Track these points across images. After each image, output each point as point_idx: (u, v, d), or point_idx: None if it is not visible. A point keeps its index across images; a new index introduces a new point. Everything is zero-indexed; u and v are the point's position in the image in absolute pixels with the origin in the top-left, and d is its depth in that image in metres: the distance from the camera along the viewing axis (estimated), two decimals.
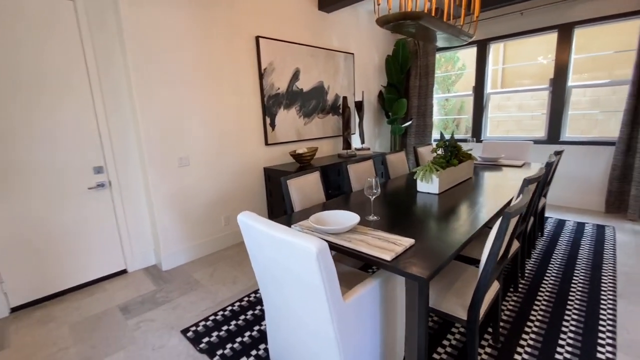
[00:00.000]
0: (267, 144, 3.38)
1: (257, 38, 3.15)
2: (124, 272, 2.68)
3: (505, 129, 4.66)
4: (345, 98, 3.91)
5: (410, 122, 4.83)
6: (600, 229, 3.18)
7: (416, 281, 1.13)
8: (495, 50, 4.38)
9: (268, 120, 3.35)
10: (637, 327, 1.76)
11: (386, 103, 4.59)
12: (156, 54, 2.50)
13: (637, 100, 3.22)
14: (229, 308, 2.12)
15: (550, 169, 2.36)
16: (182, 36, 2.63)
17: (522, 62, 4.33)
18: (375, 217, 1.71)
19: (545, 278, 2.32)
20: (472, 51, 4.50)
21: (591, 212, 3.68)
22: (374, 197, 1.68)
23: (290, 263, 1.11)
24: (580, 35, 3.63)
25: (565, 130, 3.87)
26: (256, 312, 2.06)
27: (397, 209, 1.87)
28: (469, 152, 2.61)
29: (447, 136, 4.44)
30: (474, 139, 4.50)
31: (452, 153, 2.36)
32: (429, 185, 2.20)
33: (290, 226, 1.61)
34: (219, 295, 2.30)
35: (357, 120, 4.40)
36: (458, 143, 2.48)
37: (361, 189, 2.42)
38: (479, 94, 4.43)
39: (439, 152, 2.39)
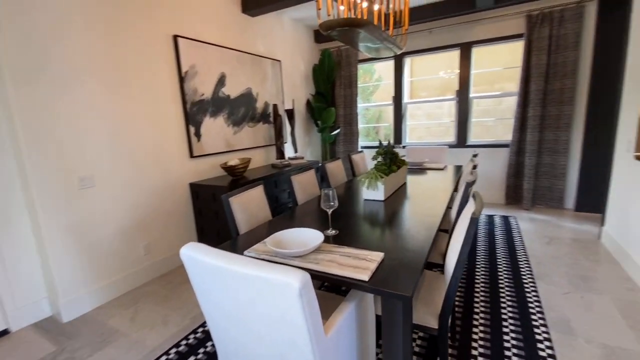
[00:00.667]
0: (192, 156, 3.00)
1: (175, 37, 2.78)
2: (5, 333, 2.01)
3: (417, 135, 5.19)
4: (275, 106, 3.76)
5: (338, 130, 4.92)
6: (505, 220, 3.68)
7: (400, 300, 1.05)
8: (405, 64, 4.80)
9: (192, 130, 2.98)
10: (559, 305, 2.03)
11: (315, 111, 4.59)
12: (41, 44, 1.97)
13: (523, 109, 3.86)
14: (164, 357, 1.74)
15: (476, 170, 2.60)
16: (78, 26, 2.14)
17: (426, 76, 4.87)
18: (334, 231, 1.60)
19: (477, 269, 2.54)
20: (387, 64, 4.84)
21: (495, 205, 4.26)
22: (331, 209, 1.57)
23: (260, 302, 0.91)
24: (477, 53, 4.21)
25: (470, 135, 4.43)
26: (199, 356, 1.74)
27: (351, 219, 1.80)
28: (402, 157, 2.73)
29: (381, 144, 4.66)
30: (400, 145, 4.82)
31: (391, 160, 2.41)
32: (374, 193, 2.19)
33: (242, 253, 1.38)
34: (147, 343, 1.88)
35: (289, 128, 4.28)
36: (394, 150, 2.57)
37: (307, 201, 2.29)
38: (398, 103, 4.77)
39: (379, 159, 2.43)
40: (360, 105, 5.24)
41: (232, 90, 3.40)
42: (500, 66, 4.21)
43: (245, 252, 1.37)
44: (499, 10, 3.87)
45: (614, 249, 2.68)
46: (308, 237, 1.42)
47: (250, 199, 1.90)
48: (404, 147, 4.80)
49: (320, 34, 4.88)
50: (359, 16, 2.13)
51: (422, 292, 1.50)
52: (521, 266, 2.56)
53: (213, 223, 2.91)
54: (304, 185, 2.43)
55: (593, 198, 3.66)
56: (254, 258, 1.31)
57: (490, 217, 3.78)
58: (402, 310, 1.07)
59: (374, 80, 5.55)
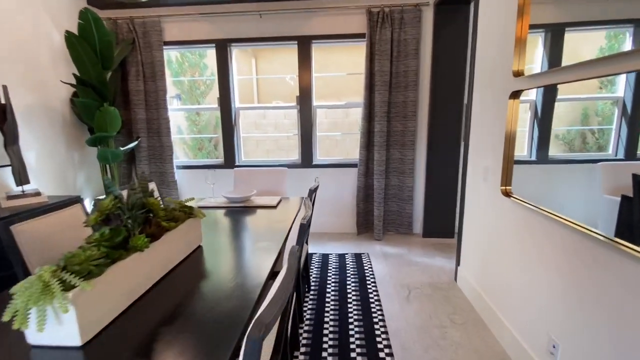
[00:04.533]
0: None
1: None
2: None
3: (265, 148, 4.26)
4: None
5: (136, 143, 3.26)
6: (358, 259, 2.92)
7: None
8: (247, 61, 3.68)
9: None
10: None
11: (82, 111, 2.81)
12: None
13: (369, 123, 3.25)
14: None
15: (309, 222, 1.56)
16: None
17: (273, 75, 3.96)
18: None
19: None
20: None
21: (347, 236, 3.54)
22: None
23: None
24: (319, 53, 3.41)
25: (316, 153, 3.60)
26: None
27: None
28: (189, 203, 1.45)
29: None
30: (214, 170, 3.57)
31: (135, 222, 1.08)
32: (57, 332, 0.82)
33: None
34: None
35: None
36: (154, 192, 1.26)
37: None
38: (226, 108, 3.52)
39: (104, 229, 1.06)
40: (186, 107, 3.75)
41: None
42: (344, 72, 3.56)
43: None
44: (340, 1, 3.16)
45: (473, 297, 2.17)
46: None
47: None
48: (232, 167, 3.56)
49: None
50: None
51: None
52: (380, 347, 1.69)
53: None
54: None
55: (440, 222, 3.36)
56: None
57: (342, 258, 2.96)
58: None
59: (204, 77, 4.18)
